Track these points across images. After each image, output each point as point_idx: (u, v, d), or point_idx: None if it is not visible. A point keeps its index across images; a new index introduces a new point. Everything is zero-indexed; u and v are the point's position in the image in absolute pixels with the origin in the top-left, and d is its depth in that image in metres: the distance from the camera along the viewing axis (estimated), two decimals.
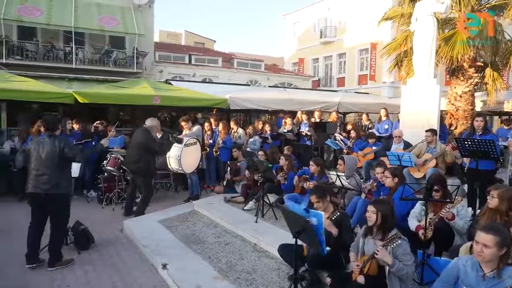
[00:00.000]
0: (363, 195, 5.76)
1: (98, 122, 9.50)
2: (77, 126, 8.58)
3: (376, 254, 3.21)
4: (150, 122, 6.77)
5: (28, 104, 11.73)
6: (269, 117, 14.89)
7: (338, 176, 5.59)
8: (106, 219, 6.77)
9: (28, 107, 12.38)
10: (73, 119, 8.73)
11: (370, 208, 3.39)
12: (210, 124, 9.32)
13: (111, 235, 5.93)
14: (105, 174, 7.90)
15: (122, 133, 10.13)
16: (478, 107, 11.11)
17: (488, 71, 9.73)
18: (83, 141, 8.24)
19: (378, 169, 5.36)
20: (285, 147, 8.42)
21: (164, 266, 4.55)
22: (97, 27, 16.52)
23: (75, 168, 5.78)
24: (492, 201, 3.60)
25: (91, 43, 17.46)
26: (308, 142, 9.32)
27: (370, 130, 9.41)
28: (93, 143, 8.51)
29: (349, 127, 11.12)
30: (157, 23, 59.49)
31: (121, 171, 7.72)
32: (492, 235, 2.57)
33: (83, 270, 4.65)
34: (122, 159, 7.84)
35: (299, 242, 3.49)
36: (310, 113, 11.29)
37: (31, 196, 4.57)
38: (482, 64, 9.83)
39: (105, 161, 7.75)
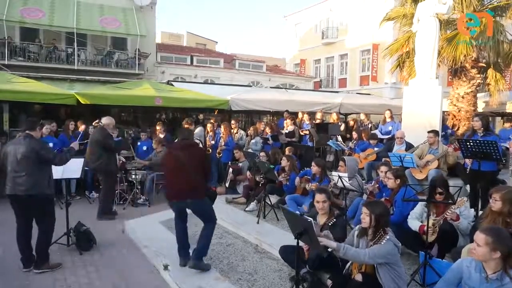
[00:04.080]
0: (365, 196, 5.75)
1: (95, 122, 9.37)
2: (83, 126, 8.60)
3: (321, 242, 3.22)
4: (106, 120, 6.79)
5: (31, 105, 11.77)
6: (271, 118, 14.89)
7: (340, 177, 5.58)
8: (107, 220, 6.77)
9: (31, 109, 12.41)
10: (78, 120, 8.76)
11: (364, 209, 3.38)
12: (212, 125, 9.34)
13: (113, 236, 5.93)
14: None
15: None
16: (480, 108, 11.08)
17: (490, 71, 9.70)
18: (85, 141, 8.27)
19: (383, 168, 5.35)
20: (286, 148, 8.42)
21: (166, 267, 4.55)
22: (99, 28, 16.56)
23: (78, 169, 5.78)
24: (495, 204, 3.55)
25: (93, 44, 17.49)
26: (309, 143, 9.31)
27: (372, 131, 9.40)
28: None
29: (351, 122, 11.10)
30: (159, 24, 59.70)
31: (123, 172, 7.73)
32: (484, 235, 2.61)
33: (85, 271, 4.65)
34: (123, 160, 7.85)
35: (301, 243, 3.48)
36: (311, 114, 11.29)
37: (11, 198, 4.47)
38: (485, 65, 9.81)
39: None
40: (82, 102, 9.14)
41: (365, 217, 3.35)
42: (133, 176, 7.72)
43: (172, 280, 4.28)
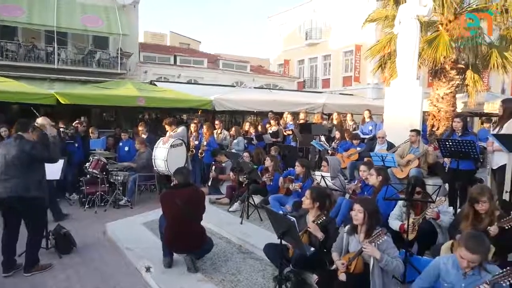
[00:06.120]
0: (347, 196, 5.79)
1: (77, 122, 9.18)
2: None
3: (364, 250, 3.20)
4: (41, 121, 6.65)
5: (8, 105, 11.48)
6: (255, 118, 14.92)
7: (323, 177, 5.61)
8: (88, 222, 6.66)
9: (8, 109, 12.11)
10: (59, 120, 8.55)
11: (357, 207, 3.36)
12: (196, 125, 9.29)
13: (94, 238, 5.84)
14: (88, 176, 7.78)
15: (104, 134, 9.99)
16: (459, 108, 11.31)
17: (469, 73, 9.90)
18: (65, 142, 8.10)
19: (362, 167, 5.42)
20: (271, 148, 8.44)
21: (148, 269, 4.50)
22: (80, 27, 16.26)
23: (57, 170, 5.67)
24: (484, 205, 3.54)
25: (74, 43, 17.18)
26: (293, 143, 9.35)
27: (354, 132, 9.50)
28: (76, 144, 8.38)
29: (335, 116, 11.18)
30: (141, 24, 59.00)
31: (104, 173, 7.61)
32: (477, 255, 2.62)
33: (65, 274, 4.56)
34: (105, 161, 7.73)
35: (284, 243, 3.49)
36: (295, 115, 11.34)
37: (1, 201, 4.34)
38: (464, 66, 10.01)
39: (87, 163, 7.63)
40: (62, 102, 8.96)
41: (358, 214, 3.34)
42: (115, 177, 7.61)
43: (155, 282, 4.24)
